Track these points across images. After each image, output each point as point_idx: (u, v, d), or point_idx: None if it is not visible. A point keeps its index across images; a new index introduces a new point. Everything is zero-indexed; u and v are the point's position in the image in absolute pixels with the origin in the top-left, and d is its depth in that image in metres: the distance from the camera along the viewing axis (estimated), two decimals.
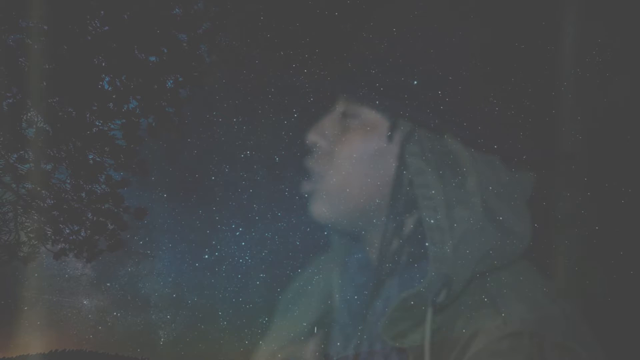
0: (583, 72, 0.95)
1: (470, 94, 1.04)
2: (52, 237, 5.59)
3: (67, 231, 5.58)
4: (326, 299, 1.19)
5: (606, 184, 0.89)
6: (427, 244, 0.97)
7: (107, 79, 4.94)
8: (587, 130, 0.92)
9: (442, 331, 0.92)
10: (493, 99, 1.00)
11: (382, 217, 1.03)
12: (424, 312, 0.91)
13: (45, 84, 4.63)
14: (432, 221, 0.93)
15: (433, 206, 0.93)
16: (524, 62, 0.98)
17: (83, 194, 5.47)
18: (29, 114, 4.90)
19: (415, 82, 1.09)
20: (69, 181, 5.41)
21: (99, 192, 5.51)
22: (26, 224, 5.56)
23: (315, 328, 1.16)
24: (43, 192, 5.36)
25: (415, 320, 0.92)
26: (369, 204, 1.02)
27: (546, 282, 0.98)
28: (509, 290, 0.92)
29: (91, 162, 5.34)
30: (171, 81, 5.18)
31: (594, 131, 0.94)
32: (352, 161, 1.02)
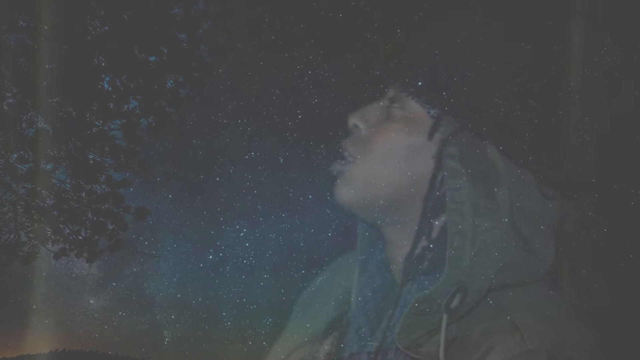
0: (591, 72, 0.94)
1: (475, 94, 1.04)
2: (52, 237, 5.58)
3: (67, 231, 5.57)
4: (333, 301, 1.18)
5: (615, 185, 0.89)
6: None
7: (107, 79, 4.94)
8: (594, 131, 0.92)
9: (458, 341, 0.91)
10: (499, 100, 1.00)
11: (407, 212, 1.02)
12: (438, 319, 0.90)
13: (45, 84, 4.62)
14: (456, 225, 0.93)
15: (460, 210, 0.93)
16: (530, 62, 0.97)
17: (83, 194, 5.47)
18: (29, 114, 4.89)
19: (420, 83, 1.08)
20: (69, 181, 5.41)
21: (99, 192, 5.50)
22: (26, 224, 5.55)
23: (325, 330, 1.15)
24: (43, 192, 5.36)
25: (429, 329, 0.91)
26: (396, 196, 1.00)
27: (563, 301, 0.97)
28: (527, 307, 0.91)
29: (91, 162, 5.34)
30: (171, 81, 5.18)
31: (602, 132, 0.93)
32: (388, 151, 1.00)
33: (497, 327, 0.90)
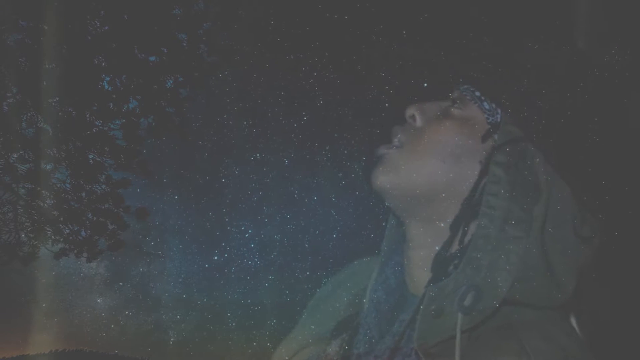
0: (601, 72, 0.94)
1: (481, 95, 1.04)
2: (52, 237, 5.58)
3: (67, 231, 5.57)
4: (346, 302, 1.18)
5: (626, 187, 0.89)
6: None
7: (107, 79, 4.93)
8: (604, 132, 0.92)
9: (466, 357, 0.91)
10: (505, 101, 1.00)
11: (441, 211, 1.01)
12: (452, 324, 0.89)
13: (45, 84, 4.62)
14: (484, 229, 0.93)
15: (492, 215, 0.93)
16: (537, 62, 0.97)
17: (83, 194, 5.46)
18: (29, 114, 4.89)
19: (425, 85, 1.09)
20: (69, 181, 5.40)
21: (99, 192, 5.50)
22: (26, 224, 5.54)
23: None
24: (43, 192, 5.35)
25: (443, 337, 0.90)
26: (435, 191, 1.00)
27: (575, 332, 0.96)
28: (537, 331, 0.91)
29: (91, 162, 5.33)
30: (171, 81, 5.17)
31: (612, 133, 0.93)
32: (438, 145, 1.00)
33: (505, 347, 0.89)
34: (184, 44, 4.98)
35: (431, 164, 0.99)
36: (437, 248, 1.01)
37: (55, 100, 4.81)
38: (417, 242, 1.05)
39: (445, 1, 1.13)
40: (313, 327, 1.17)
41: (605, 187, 0.91)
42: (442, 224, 1.01)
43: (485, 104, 1.02)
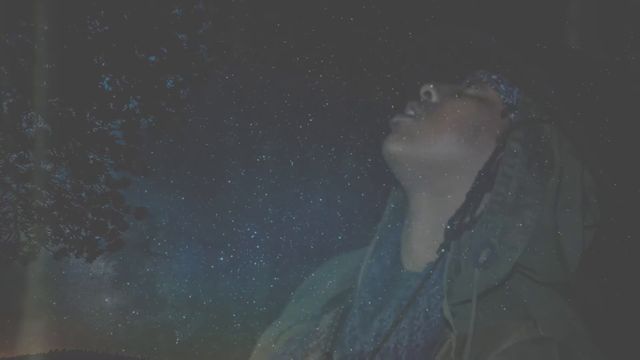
0: (612, 73, 0.94)
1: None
2: (52, 237, 5.58)
3: (67, 231, 5.57)
4: (338, 279, 1.17)
5: (638, 189, 0.89)
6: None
7: (107, 79, 4.93)
8: (615, 133, 0.92)
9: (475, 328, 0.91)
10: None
11: (451, 184, 1.02)
12: (469, 284, 0.90)
13: (45, 84, 4.62)
14: (499, 195, 0.95)
15: (508, 184, 0.96)
16: (545, 63, 0.98)
17: (83, 194, 5.46)
18: (29, 114, 4.89)
19: (432, 86, 1.09)
20: (69, 181, 5.40)
21: (99, 192, 5.50)
22: (26, 224, 5.54)
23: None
24: (43, 192, 5.35)
25: (461, 299, 0.91)
26: (448, 163, 1.00)
27: (576, 309, 0.98)
28: (542, 303, 0.92)
29: (91, 162, 5.33)
30: (171, 81, 5.17)
31: (623, 134, 0.94)
32: (455, 119, 1.01)
33: (511, 315, 0.91)
34: (184, 44, 4.98)
35: (448, 136, 1.00)
36: (441, 220, 1.02)
37: (55, 100, 4.81)
38: (421, 215, 1.05)
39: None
40: (302, 309, 1.17)
41: (610, 186, 0.92)
42: (451, 197, 1.02)
43: (502, 86, 1.04)
